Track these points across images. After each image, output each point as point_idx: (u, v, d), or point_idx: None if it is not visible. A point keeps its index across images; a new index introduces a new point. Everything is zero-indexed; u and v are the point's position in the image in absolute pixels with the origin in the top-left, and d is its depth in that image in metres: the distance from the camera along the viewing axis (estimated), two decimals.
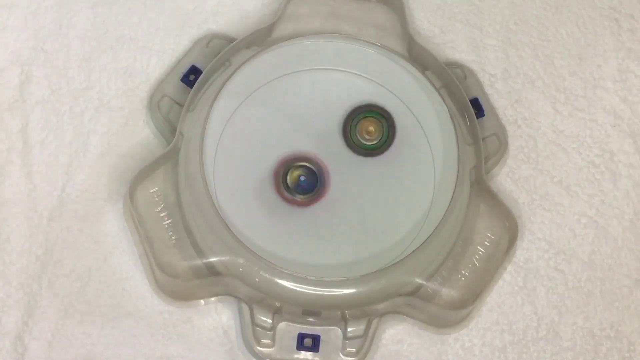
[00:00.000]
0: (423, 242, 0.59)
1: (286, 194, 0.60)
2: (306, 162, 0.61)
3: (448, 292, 0.61)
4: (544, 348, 0.63)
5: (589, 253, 0.64)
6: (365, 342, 0.61)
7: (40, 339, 0.61)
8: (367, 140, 0.61)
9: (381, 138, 0.62)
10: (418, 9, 0.68)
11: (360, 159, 0.62)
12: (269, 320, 0.60)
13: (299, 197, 0.60)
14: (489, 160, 0.64)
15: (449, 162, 0.61)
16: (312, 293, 0.59)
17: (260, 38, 0.65)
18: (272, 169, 0.61)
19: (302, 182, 0.60)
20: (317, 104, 0.62)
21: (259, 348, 0.61)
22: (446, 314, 0.61)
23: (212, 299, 0.62)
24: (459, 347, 0.63)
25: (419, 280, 0.60)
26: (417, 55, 0.65)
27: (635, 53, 0.68)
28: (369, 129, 0.61)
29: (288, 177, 0.60)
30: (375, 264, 0.59)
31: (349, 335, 0.60)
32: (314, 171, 0.61)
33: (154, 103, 0.64)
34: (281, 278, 0.59)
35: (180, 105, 0.64)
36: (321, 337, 0.61)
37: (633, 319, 0.63)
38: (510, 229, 0.62)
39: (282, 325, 0.61)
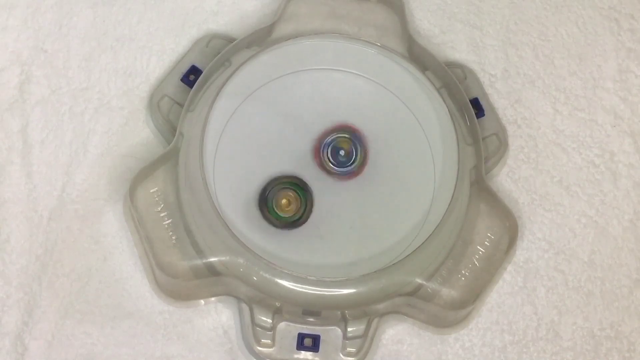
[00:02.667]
0: (423, 242, 0.59)
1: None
2: (346, 134, 0.61)
3: (448, 292, 0.61)
4: (544, 348, 0.63)
5: (589, 253, 0.64)
6: (365, 342, 0.61)
7: (40, 339, 0.61)
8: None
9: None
10: (418, 9, 0.68)
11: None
12: (269, 320, 0.60)
13: (337, 170, 0.61)
14: (489, 160, 0.64)
15: (449, 162, 0.61)
16: (312, 293, 0.59)
17: (260, 38, 0.65)
18: (272, 168, 0.61)
19: (341, 156, 0.61)
20: (317, 104, 0.62)
21: (259, 348, 0.61)
22: (446, 314, 0.61)
23: (212, 299, 0.62)
24: (459, 347, 0.63)
25: (419, 280, 0.60)
26: (417, 55, 0.65)
27: (635, 53, 0.68)
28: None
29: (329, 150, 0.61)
30: (375, 264, 0.59)
31: (349, 335, 0.60)
32: (355, 143, 0.61)
33: (154, 103, 0.64)
34: (281, 278, 0.59)
35: (180, 105, 0.63)
36: (321, 337, 0.61)
37: (633, 319, 0.63)
38: (510, 229, 0.62)
39: (282, 325, 0.61)
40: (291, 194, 0.60)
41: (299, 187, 0.60)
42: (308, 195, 0.60)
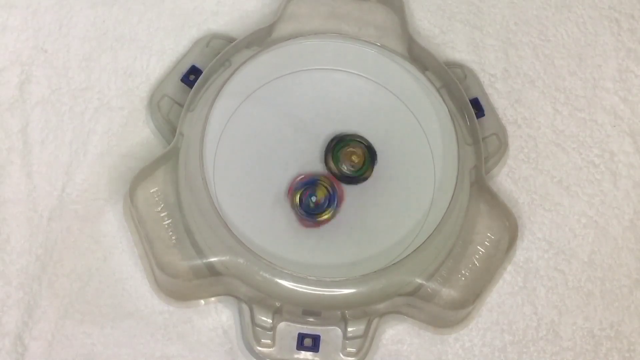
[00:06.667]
0: (423, 242, 0.59)
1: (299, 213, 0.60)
2: (322, 182, 0.61)
3: (448, 292, 0.61)
4: (544, 348, 0.63)
5: (589, 253, 0.64)
6: (365, 342, 0.61)
7: (40, 339, 0.61)
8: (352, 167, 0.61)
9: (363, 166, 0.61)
10: (418, 9, 0.68)
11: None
12: (269, 320, 0.60)
13: (311, 218, 0.60)
14: (489, 160, 0.64)
15: (449, 162, 0.61)
16: (312, 293, 0.59)
17: (260, 38, 0.65)
18: (272, 169, 0.61)
19: (315, 202, 0.60)
20: (317, 104, 0.63)
21: (259, 348, 0.61)
22: (446, 314, 0.61)
23: (212, 299, 0.62)
24: (459, 347, 0.63)
25: (419, 280, 0.60)
26: (417, 55, 0.65)
27: (635, 53, 0.68)
28: (352, 158, 0.61)
29: (302, 199, 0.60)
30: (375, 264, 0.59)
31: (349, 335, 0.60)
32: (329, 194, 0.61)
33: (154, 103, 0.64)
34: (281, 278, 0.59)
35: (180, 105, 0.64)
36: (321, 337, 0.61)
37: (633, 319, 0.63)
38: (510, 229, 0.62)
39: (282, 325, 0.61)
40: (355, 149, 0.61)
41: (359, 142, 0.61)
42: (370, 150, 0.61)
